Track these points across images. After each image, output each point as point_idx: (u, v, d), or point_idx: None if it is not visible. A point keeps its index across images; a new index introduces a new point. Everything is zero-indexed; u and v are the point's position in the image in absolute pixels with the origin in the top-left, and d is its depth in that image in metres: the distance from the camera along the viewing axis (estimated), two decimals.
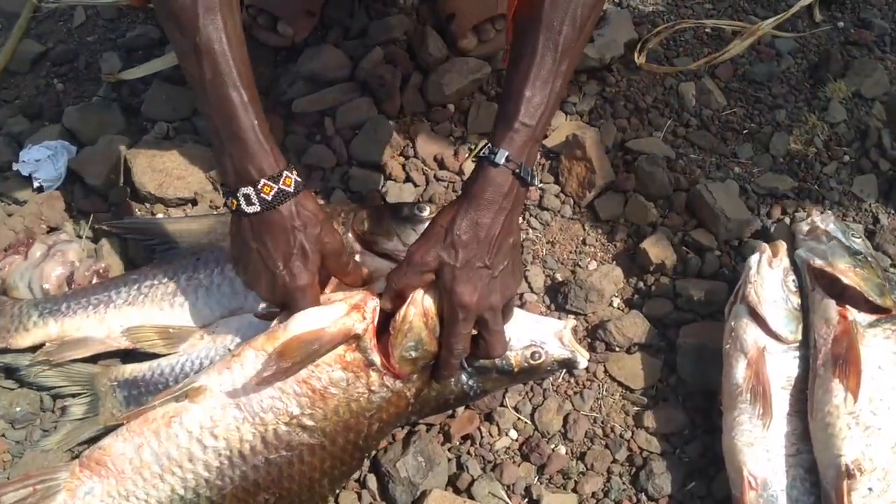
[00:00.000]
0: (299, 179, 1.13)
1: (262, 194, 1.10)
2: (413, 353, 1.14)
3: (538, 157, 1.56)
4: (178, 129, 1.69)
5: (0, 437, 1.34)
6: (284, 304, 1.17)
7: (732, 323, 1.28)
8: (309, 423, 1.14)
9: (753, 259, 1.31)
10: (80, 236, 1.55)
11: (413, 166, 1.61)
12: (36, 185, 1.61)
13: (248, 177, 1.10)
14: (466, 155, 1.63)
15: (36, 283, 1.46)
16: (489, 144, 1.11)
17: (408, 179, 1.61)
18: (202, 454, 1.14)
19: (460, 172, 1.61)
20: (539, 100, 1.10)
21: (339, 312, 1.15)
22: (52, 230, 1.57)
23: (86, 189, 1.61)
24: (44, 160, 1.62)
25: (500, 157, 1.09)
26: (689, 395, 1.37)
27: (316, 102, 1.69)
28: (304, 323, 1.14)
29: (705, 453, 1.32)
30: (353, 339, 1.14)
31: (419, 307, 1.12)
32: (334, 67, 1.72)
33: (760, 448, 1.21)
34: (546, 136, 1.59)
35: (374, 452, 1.30)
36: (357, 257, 1.38)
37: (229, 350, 1.23)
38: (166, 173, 1.59)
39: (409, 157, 1.64)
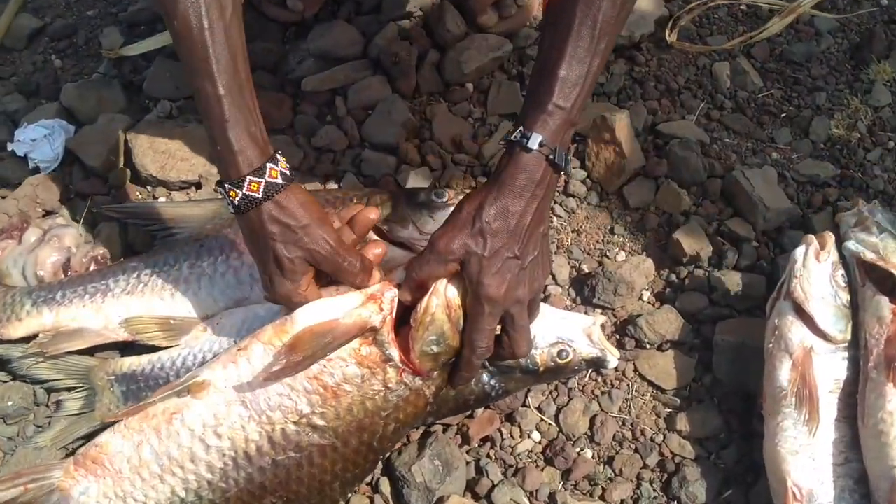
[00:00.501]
0: (286, 172, 1.03)
1: (231, 198, 1.02)
2: (435, 348, 1.05)
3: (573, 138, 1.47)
4: (182, 108, 1.61)
5: None
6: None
7: (776, 320, 1.20)
8: (320, 422, 1.07)
9: (799, 252, 1.22)
10: (77, 221, 1.48)
11: (429, 149, 1.53)
12: (32, 165, 1.54)
13: (222, 177, 1.04)
14: (487, 138, 1.54)
15: (30, 270, 1.39)
16: (521, 128, 1.03)
17: (423, 163, 1.52)
18: (205, 454, 1.07)
19: (479, 156, 1.53)
20: (575, 80, 1.01)
21: (354, 303, 1.07)
22: (48, 214, 1.50)
23: (84, 170, 1.54)
24: (40, 140, 1.56)
25: (534, 142, 1.01)
26: (726, 397, 1.29)
27: (326, 81, 1.60)
28: (314, 314, 1.06)
29: (742, 459, 1.24)
30: (370, 332, 1.06)
31: (442, 298, 1.04)
32: (346, 44, 1.63)
33: (806, 456, 1.12)
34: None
35: (387, 455, 1.22)
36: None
37: (234, 343, 1.15)
38: (169, 154, 1.51)
39: (426, 140, 1.55)
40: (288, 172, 1.03)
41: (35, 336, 1.30)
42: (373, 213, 1.15)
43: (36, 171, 1.54)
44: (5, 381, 1.31)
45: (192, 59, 1.00)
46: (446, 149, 1.54)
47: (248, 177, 1.01)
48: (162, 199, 1.50)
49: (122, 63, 1.68)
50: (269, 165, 1.01)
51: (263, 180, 1.01)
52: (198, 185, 1.51)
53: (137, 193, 1.51)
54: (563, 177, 1.45)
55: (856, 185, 1.50)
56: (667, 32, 1.67)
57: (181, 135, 1.52)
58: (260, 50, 1.62)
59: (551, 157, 1.02)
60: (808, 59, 1.69)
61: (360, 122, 1.56)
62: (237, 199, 1.01)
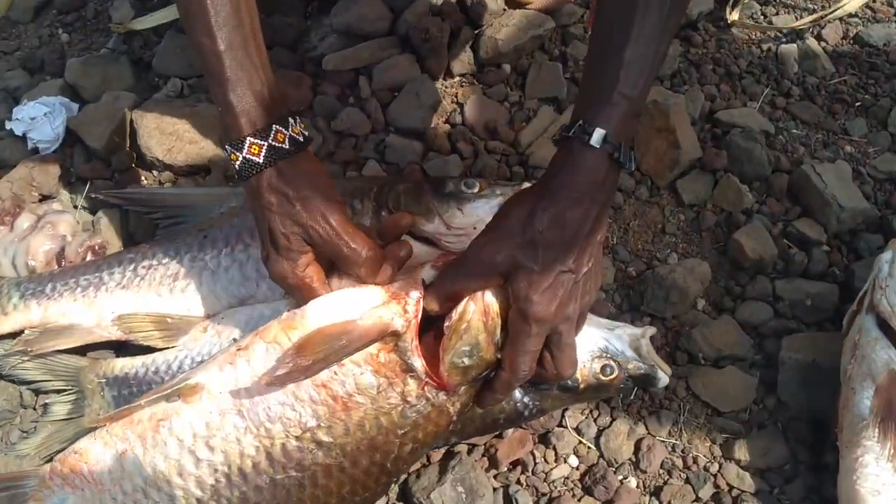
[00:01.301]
0: (296, 136, 0.93)
1: (232, 163, 0.93)
2: (466, 361, 0.92)
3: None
4: (194, 87, 1.50)
5: None
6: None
7: (856, 338, 1.04)
8: (326, 438, 0.94)
9: (884, 258, 1.07)
10: (75, 207, 1.37)
11: (460, 135, 1.40)
12: (31, 146, 1.43)
13: (234, 132, 0.93)
14: (524, 125, 1.39)
15: (21, 259, 1.29)
16: (581, 121, 0.89)
17: (453, 150, 1.39)
18: (194, 468, 0.96)
19: (515, 143, 1.39)
20: (642, 63, 0.88)
21: (374, 301, 0.95)
22: (44, 198, 1.40)
23: (86, 152, 1.43)
24: (40, 118, 1.45)
25: (597, 139, 0.87)
26: (792, 423, 1.15)
27: (349, 59, 1.47)
28: (327, 310, 0.94)
29: (810, 495, 1.10)
30: (390, 336, 0.94)
31: (480, 304, 0.92)
32: (373, 19, 1.50)
33: (890, 497, 0.97)
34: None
35: (404, 477, 1.10)
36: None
37: (234, 341, 1.02)
38: (177, 136, 1.40)
39: (456, 125, 1.42)
40: (300, 138, 0.93)
41: (21, 332, 1.20)
42: (405, 220, 1.04)
43: (35, 151, 1.43)
44: None
45: (188, 10, 0.90)
46: (479, 135, 1.41)
47: (249, 138, 0.91)
48: (168, 184, 1.39)
49: (132, 38, 1.57)
50: (275, 128, 0.92)
51: (266, 143, 0.92)
52: (207, 171, 1.40)
53: (143, 178, 1.40)
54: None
55: None
56: (727, 10, 1.53)
57: (190, 115, 1.41)
58: (279, 24, 1.50)
59: (616, 155, 0.88)
60: (887, 43, 1.54)
61: (386, 105, 1.44)
62: (237, 162, 0.92)
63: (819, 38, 1.55)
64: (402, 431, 0.95)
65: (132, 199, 1.32)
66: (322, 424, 0.94)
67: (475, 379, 0.95)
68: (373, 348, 0.93)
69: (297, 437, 0.94)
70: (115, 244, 1.32)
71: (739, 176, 1.31)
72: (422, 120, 1.41)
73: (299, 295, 0.96)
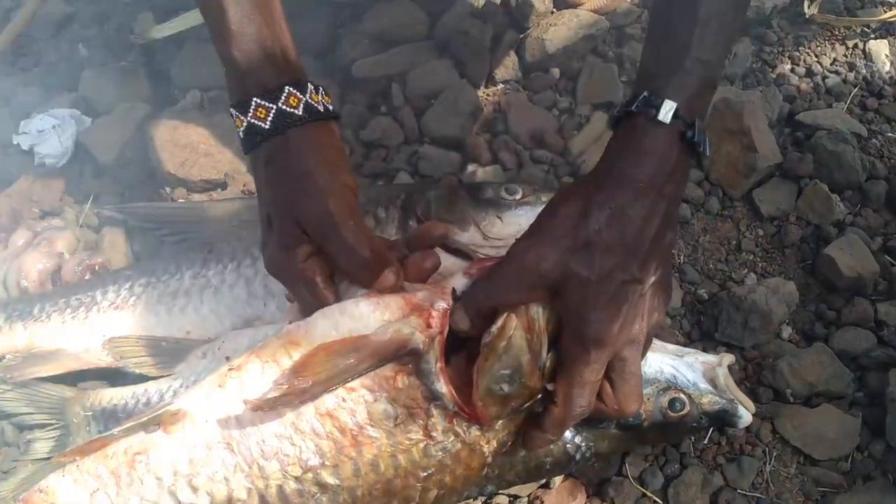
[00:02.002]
0: (314, 104, 0.82)
1: (254, 121, 0.81)
2: (505, 388, 0.77)
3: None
4: (214, 100, 1.40)
5: None
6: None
7: None
8: (332, 480, 0.79)
9: None
10: (79, 224, 1.29)
11: (503, 144, 1.27)
12: (37, 161, 1.35)
13: (239, 93, 0.83)
14: (576, 133, 1.24)
15: (12, 279, 1.20)
16: (646, 92, 0.74)
17: (495, 160, 1.26)
18: None
19: (565, 152, 1.24)
20: (721, 20, 0.75)
21: (391, 314, 0.79)
22: (45, 215, 1.31)
23: (96, 167, 1.34)
24: (48, 131, 1.37)
25: (666, 112, 0.73)
26: None
27: (382, 65, 1.36)
28: (335, 323, 0.79)
29: None
30: (410, 356, 0.78)
31: (524, 318, 0.76)
32: (409, 23, 1.39)
33: None
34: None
35: None
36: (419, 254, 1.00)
37: (228, 360, 0.87)
38: (191, 149, 1.30)
39: (498, 134, 1.29)
40: (320, 107, 0.82)
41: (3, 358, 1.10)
42: (439, 229, 0.89)
43: (42, 167, 1.34)
44: None
45: None
46: (524, 144, 1.27)
47: (256, 99, 0.80)
48: (181, 200, 1.28)
49: (153, 52, 1.49)
50: (288, 90, 0.80)
51: (275, 106, 0.80)
52: (223, 186, 1.30)
53: (159, 195, 1.29)
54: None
55: None
56: (805, 4, 1.38)
57: (207, 126, 1.31)
58: (307, 31, 1.39)
59: (689, 134, 0.73)
60: None
61: (420, 114, 1.31)
62: (242, 128, 0.82)
63: None
64: (426, 474, 0.79)
65: (138, 213, 1.22)
66: (327, 463, 0.78)
67: (515, 411, 0.78)
68: (388, 370, 0.78)
69: (296, 478, 0.78)
70: (118, 264, 1.21)
71: (829, 183, 1.15)
72: (460, 128, 1.28)
73: (299, 292, 0.81)
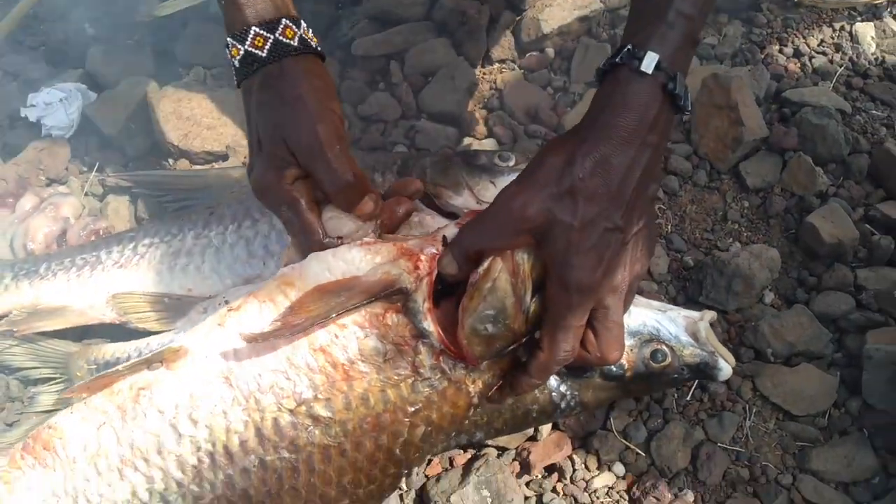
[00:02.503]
0: (308, 39, 0.85)
1: (234, 59, 0.85)
2: (490, 328, 0.79)
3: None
4: (217, 76, 1.43)
5: None
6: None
7: None
8: (324, 413, 0.81)
9: None
10: (85, 193, 1.30)
11: (498, 120, 1.30)
12: (44, 132, 1.37)
13: (227, 30, 0.86)
14: (569, 109, 1.28)
15: (19, 241, 1.23)
16: (629, 46, 0.76)
17: (490, 135, 1.30)
18: (175, 445, 0.84)
19: (558, 128, 1.28)
20: None
21: (382, 257, 0.83)
22: (51, 183, 1.34)
23: (101, 139, 1.37)
24: (55, 104, 1.39)
25: (648, 63, 0.75)
26: (881, 429, 0.99)
27: (381, 44, 1.40)
28: (329, 266, 0.82)
29: None
30: (398, 295, 0.81)
31: (509, 262, 0.78)
32: (408, 3, 1.43)
33: None
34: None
35: (422, 481, 0.96)
36: (415, 216, 1.03)
37: (226, 303, 0.91)
38: (194, 121, 1.33)
39: (494, 110, 1.33)
40: (312, 43, 0.86)
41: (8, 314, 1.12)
42: (414, 185, 0.91)
43: (48, 138, 1.36)
44: None
45: None
46: (518, 120, 1.30)
47: (255, 27, 0.83)
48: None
49: (158, 30, 1.52)
50: (285, 22, 0.84)
51: (273, 37, 0.83)
52: (224, 157, 1.32)
53: (157, 166, 1.32)
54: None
55: None
56: None
57: (209, 99, 1.34)
58: (308, 11, 1.42)
59: (670, 86, 0.75)
60: None
61: (418, 91, 1.35)
62: (238, 57, 0.84)
63: None
64: (413, 409, 0.82)
65: (142, 181, 1.25)
66: (320, 396, 0.81)
67: (499, 353, 0.81)
68: (378, 308, 0.81)
69: (290, 411, 0.81)
70: (121, 230, 1.23)
71: (812, 156, 1.17)
72: (457, 104, 1.31)
73: (283, 213, 0.83)
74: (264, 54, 0.82)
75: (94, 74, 1.44)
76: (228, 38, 0.85)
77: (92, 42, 1.57)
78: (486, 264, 0.78)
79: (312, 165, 0.81)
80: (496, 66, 1.38)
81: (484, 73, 1.37)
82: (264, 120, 0.82)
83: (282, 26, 0.83)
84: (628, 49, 0.75)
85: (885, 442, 0.97)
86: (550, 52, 1.37)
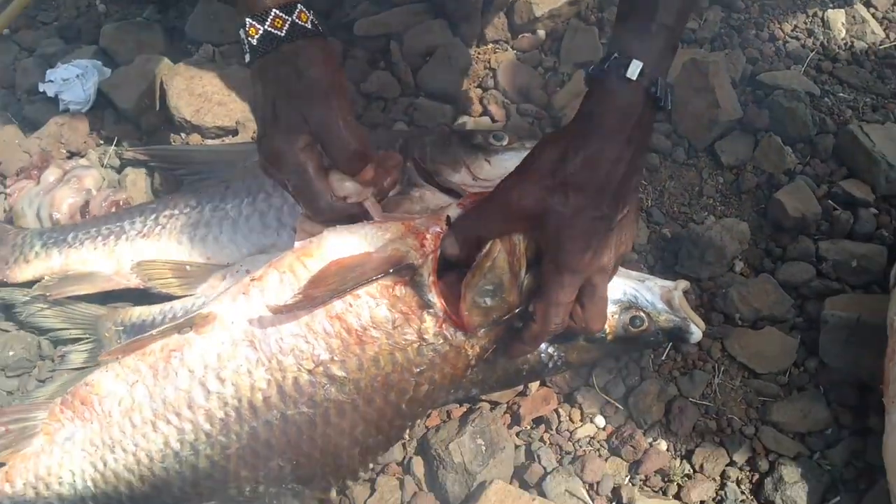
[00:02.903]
0: (301, 22, 0.91)
1: (248, 35, 0.90)
2: (488, 301, 0.89)
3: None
4: (225, 54, 1.50)
5: None
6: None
7: None
8: (339, 372, 0.91)
9: None
10: (104, 165, 1.38)
11: (492, 98, 1.38)
12: (62, 107, 1.44)
13: (239, 16, 0.91)
14: (559, 89, 1.36)
15: (45, 211, 1.30)
16: (616, 53, 0.84)
17: (485, 113, 1.38)
18: (204, 400, 0.93)
19: (548, 106, 1.36)
20: None
21: (392, 234, 0.92)
22: (72, 155, 1.40)
23: (116, 113, 1.44)
24: (72, 80, 1.46)
25: (633, 70, 0.83)
26: (834, 386, 1.09)
27: (381, 24, 1.47)
28: (345, 240, 0.92)
29: (853, 460, 1.04)
30: (406, 270, 0.90)
31: (507, 243, 0.88)
32: None
33: None
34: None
35: (423, 431, 1.06)
36: (415, 191, 1.12)
37: (248, 272, 0.99)
38: (205, 98, 1.40)
39: (488, 89, 1.41)
40: (321, 27, 0.92)
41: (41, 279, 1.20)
42: (393, 158, 0.97)
43: (66, 112, 1.44)
44: (8, 331, 1.20)
45: None
46: (511, 99, 1.39)
47: (275, 10, 0.89)
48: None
49: (167, 8, 1.59)
50: (300, 6, 0.90)
51: (290, 18, 0.89)
52: (234, 132, 1.39)
53: (171, 140, 1.39)
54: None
55: None
56: None
57: (220, 77, 1.41)
58: None
59: (653, 89, 0.84)
60: None
61: (417, 70, 1.42)
62: (257, 36, 0.90)
63: (868, 4, 1.50)
64: (418, 370, 0.91)
65: (158, 155, 1.32)
66: (335, 358, 0.90)
67: (496, 322, 0.91)
68: (388, 280, 0.90)
69: (309, 371, 0.90)
70: (139, 201, 1.31)
71: (782, 137, 1.26)
72: (453, 83, 1.39)
73: (293, 179, 0.91)
74: (282, 34, 0.89)
75: (108, 51, 1.50)
76: (248, 18, 0.90)
77: (103, 18, 1.64)
78: (487, 247, 0.87)
79: (324, 134, 0.89)
80: (490, 45, 1.45)
81: (479, 53, 1.44)
82: (282, 92, 0.89)
83: (297, 10, 0.89)
84: (615, 57, 0.84)
85: (838, 397, 1.07)
86: (542, 33, 1.45)
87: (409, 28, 1.45)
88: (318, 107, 0.89)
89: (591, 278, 0.87)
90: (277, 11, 0.89)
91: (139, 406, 0.94)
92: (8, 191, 1.33)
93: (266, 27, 0.89)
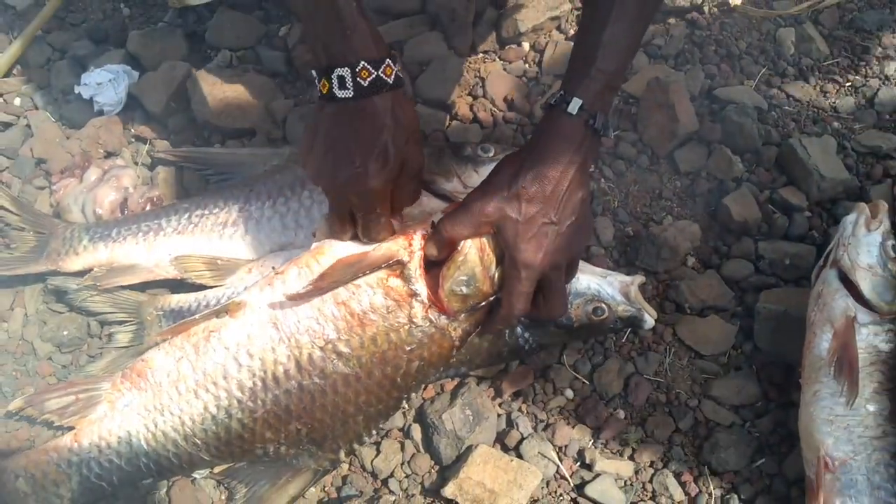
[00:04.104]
0: (401, 75, 1.03)
1: (358, 78, 0.99)
2: (464, 289, 1.08)
3: (613, 105, 1.46)
4: (242, 59, 1.65)
5: (47, 361, 1.34)
6: (349, 203, 1.09)
7: (820, 288, 1.17)
8: (344, 349, 1.10)
9: (849, 219, 1.19)
10: (136, 163, 1.52)
11: (481, 106, 1.53)
12: (96, 108, 1.59)
13: (345, 58, 1.00)
14: (540, 98, 1.53)
15: (89, 208, 1.45)
16: (562, 91, 1.02)
17: (475, 120, 1.53)
18: (237, 372, 1.12)
19: (531, 115, 1.52)
20: (619, 45, 1.01)
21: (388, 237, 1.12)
22: (108, 155, 1.55)
23: (145, 115, 1.58)
24: (105, 84, 1.60)
25: (574, 106, 1.01)
26: (765, 366, 1.27)
27: (383, 35, 1.59)
28: (349, 243, 1.12)
29: (777, 429, 1.23)
30: (397, 265, 1.10)
31: (477, 242, 1.07)
32: None
33: (841, 427, 1.10)
34: (625, 81, 1.49)
35: (420, 402, 1.25)
36: None
37: (273, 269, 1.19)
38: (226, 102, 1.54)
39: (478, 97, 1.56)
40: (404, 79, 1.05)
41: (91, 270, 1.36)
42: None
43: (101, 113, 1.58)
44: (62, 313, 1.37)
45: None
46: (498, 107, 1.54)
47: (388, 59, 1.00)
48: (217, 145, 1.53)
49: (187, 13, 1.72)
50: (387, 61, 1.02)
51: (395, 69, 1.02)
52: (252, 133, 1.54)
53: (194, 139, 1.54)
54: (613, 136, 1.42)
55: None
56: None
57: (238, 84, 1.55)
58: None
59: (591, 122, 1.01)
60: (880, 28, 1.62)
61: (415, 78, 1.56)
62: (369, 79, 0.99)
63: (816, 22, 1.63)
64: (410, 348, 1.11)
65: (187, 157, 1.47)
66: (342, 337, 1.10)
67: (474, 307, 1.10)
68: (383, 273, 1.09)
69: (321, 348, 1.10)
70: (170, 197, 1.47)
71: (732, 147, 1.42)
72: (447, 91, 1.54)
73: (372, 202, 1.06)
74: (391, 81, 1.00)
75: (136, 55, 1.63)
76: (364, 62, 0.99)
77: (128, 21, 1.77)
78: (461, 245, 1.06)
79: (404, 187, 1.08)
80: (480, 55, 1.61)
81: (469, 63, 1.59)
82: (394, 141, 1.02)
83: (384, 65, 1.00)
84: (561, 94, 1.02)
85: (767, 376, 1.25)
86: (526, 45, 1.60)
87: (408, 39, 1.59)
88: (411, 165, 1.07)
89: (547, 274, 1.05)
90: (389, 61, 1.01)
91: (184, 377, 1.14)
92: (54, 188, 1.48)
93: (380, 73, 1.00)
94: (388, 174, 1.04)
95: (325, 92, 1.02)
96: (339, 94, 1.00)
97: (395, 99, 1.02)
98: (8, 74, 1.67)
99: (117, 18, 1.77)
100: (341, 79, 1.00)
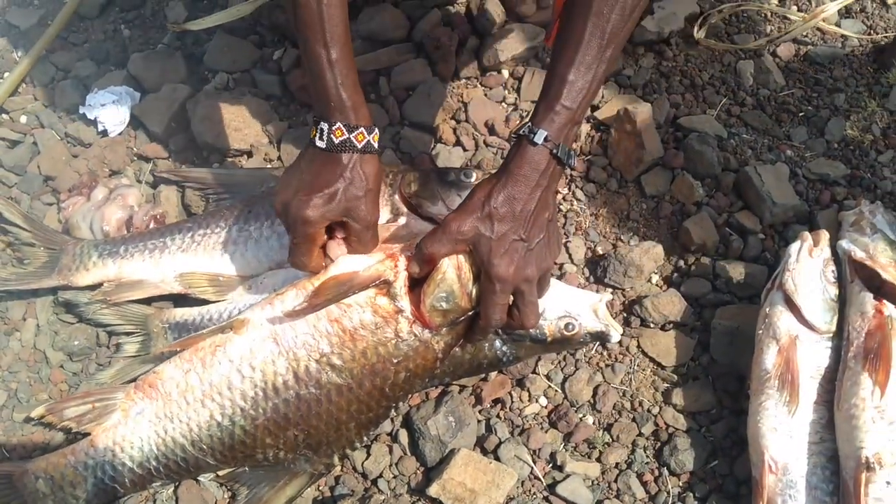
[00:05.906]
0: (373, 143, 1.18)
1: (332, 135, 1.15)
2: (444, 305, 1.18)
3: (578, 135, 1.58)
4: (238, 81, 1.73)
5: (58, 369, 1.43)
6: (287, 229, 1.23)
7: (767, 309, 1.29)
8: (337, 362, 1.20)
9: (794, 247, 1.31)
10: (140, 181, 1.61)
11: (464, 130, 1.63)
12: (100, 128, 1.67)
13: (324, 116, 1.17)
14: (518, 123, 1.64)
15: (97, 225, 1.53)
16: (529, 123, 1.13)
17: (458, 143, 1.63)
18: (240, 383, 1.22)
19: (510, 140, 1.62)
20: (582, 84, 1.11)
21: (374, 258, 1.23)
22: (113, 174, 1.64)
23: (147, 135, 1.67)
24: (109, 105, 1.68)
25: (539, 137, 1.11)
26: (720, 377, 1.38)
27: (371, 61, 1.71)
28: (341, 265, 1.22)
29: (730, 434, 1.34)
30: (384, 284, 1.20)
31: (454, 261, 1.16)
32: (392, 27, 1.73)
33: (784, 433, 1.22)
34: (592, 112, 1.61)
35: (407, 409, 1.35)
36: (402, 219, 1.41)
37: (274, 291, 1.29)
38: (224, 124, 1.63)
39: (461, 122, 1.65)
40: (377, 146, 1.19)
41: (100, 284, 1.45)
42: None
43: (104, 133, 1.67)
44: (72, 323, 1.46)
45: (308, 25, 1.13)
46: (479, 131, 1.64)
47: (361, 127, 1.16)
48: (216, 165, 1.62)
49: (185, 35, 1.80)
50: (375, 130, 1.18)
51: (368, 137, 1.17)
52: (249, 154, 1.63)
53: (194, 159, 1.63)
54: (574, 165, 1.54)
55: (864, 185, 1.56)
56: (695, 28, 1.73)
57: (236, 107, 1.64)
58: None
59: (555, 151, 1.12)
60: (832, 61, 1.74)
61: (402, 102, 1.66)
62: (339, 138, 1.15)
63: (774, 55, 1.75)
64: (397, 361, 1.21)
65: (188, 177, 1.56)
66: (335, 351, 1.20)
67: (454, 322, 1.20)
68: (371, 292, 1.20)
69: (316, 361, 1.20)
70: (173, 215, 1.56)
71: (693, 174, 1.53)
72: (432, 116, 1.63)
73: (298, 232, 1.19)
74: (359, 146, 1.16)
75: (137, 77, 1.72)
76: (339, 123, 1.15)
77: (128, 42, 1.85)
78: (439, 264, 1.16)
79: (355, 237, 1.20)
80: (463, 81, 1.71)
81: (453, 89, 1.69)
82: (333, 198, 1.16)
83: (372, 133, 1.17)
84: (528, 125, 1.13)
85: (722, 385, 1.37)
86: (505, 73, 1.70)
87: (396, 65, 1.69)
88: (358, 217, 1.19)
89: (519, 287, 1.15)
90: (363, 130, 1.16)
91: (192, 387, 1.23)
92: (62, 205, 1.57)
93: (351, 136, 1.15)
94: (325, 211, 1.16)
95: (312, 136, 1.18)
96: (317, 142, 1.17)
97: (362, 160, 1.17)
98: (14, 93, 1.75)
99: (118, 39, 1.84)
100: (321, 130, 1.16)
